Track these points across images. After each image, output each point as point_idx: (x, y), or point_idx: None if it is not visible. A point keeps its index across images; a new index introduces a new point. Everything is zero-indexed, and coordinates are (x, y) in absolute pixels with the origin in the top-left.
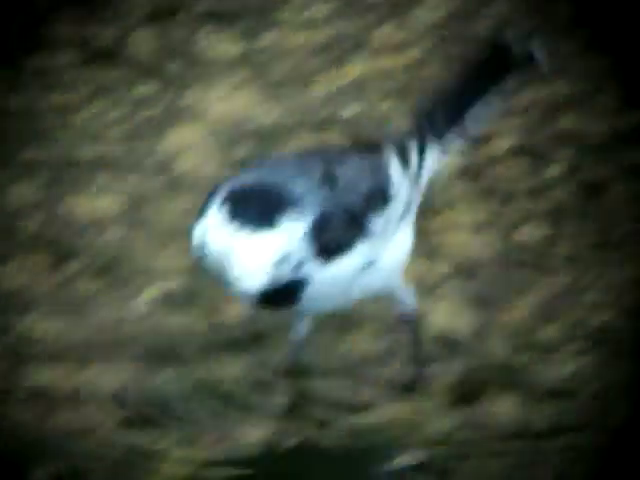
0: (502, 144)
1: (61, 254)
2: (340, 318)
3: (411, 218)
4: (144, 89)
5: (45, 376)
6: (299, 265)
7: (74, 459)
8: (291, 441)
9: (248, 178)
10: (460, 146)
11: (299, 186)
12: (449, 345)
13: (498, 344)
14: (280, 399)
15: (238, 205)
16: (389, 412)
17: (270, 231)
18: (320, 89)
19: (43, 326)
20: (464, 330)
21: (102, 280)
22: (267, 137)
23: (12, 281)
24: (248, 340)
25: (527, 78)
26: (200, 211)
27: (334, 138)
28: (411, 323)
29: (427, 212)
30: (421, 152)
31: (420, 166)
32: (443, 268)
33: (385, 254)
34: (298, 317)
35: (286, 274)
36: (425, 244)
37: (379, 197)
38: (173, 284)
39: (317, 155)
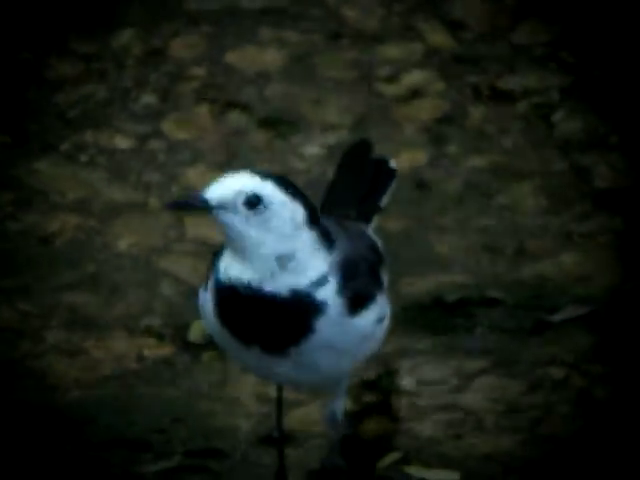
0: None
1: (227, 106)
2: None
3: None
4: None
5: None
6: (322, 281)
7: None
8: (454, 295)
9: None
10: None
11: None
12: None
13: None
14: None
15: None
16: (556, 263)
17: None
18: None
19: (209, 177)
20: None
21: (267, 133)
22: None
23: (176, 134)
24: None
25: None
26: None
27: None
28: (335, 428)
29: None
30: None
31: None
32: None
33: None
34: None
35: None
36: None
37: (378, 252)
38: (336, 138)
39: None
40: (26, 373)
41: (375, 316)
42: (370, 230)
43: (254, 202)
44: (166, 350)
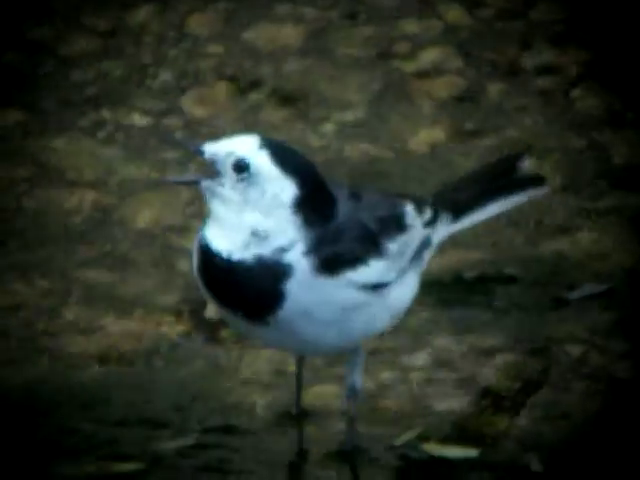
0: None
1: (244, 84)
2: None
3: (420, 268)
4: None
5: None
6: (289, 246)
7: None
8: (473, 272)
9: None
10: (468, 225)
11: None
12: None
13: None
14: None
15: None
16: (574, 240)
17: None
18: None
19: None
20: None
21: (285, 110)
22: None
23: (194, 111)
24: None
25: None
26: None
27: None
28: (355, 401)
29: None
30: (435, 214)
31: (433, 224)
32: None
33: (393, 291)
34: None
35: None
36: None
37: (394, 222)
38: (353, 115)
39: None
40: (43, 350)
41: (363, 280)
42: (440, 223)
43: (242, 167)
44: (183, 327)
